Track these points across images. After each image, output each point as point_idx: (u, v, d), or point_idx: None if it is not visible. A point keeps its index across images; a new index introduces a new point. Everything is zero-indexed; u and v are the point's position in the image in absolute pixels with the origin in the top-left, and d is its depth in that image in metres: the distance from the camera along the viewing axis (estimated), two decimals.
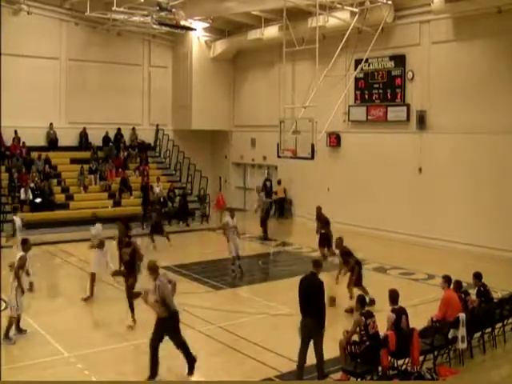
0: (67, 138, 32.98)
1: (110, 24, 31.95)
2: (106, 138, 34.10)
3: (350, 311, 14.89)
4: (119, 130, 34.54)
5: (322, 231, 21.66)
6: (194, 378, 11.57)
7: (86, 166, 31.78)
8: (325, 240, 21.49)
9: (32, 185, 28.98)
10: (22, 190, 28.52)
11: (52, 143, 32.56)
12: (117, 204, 30.50)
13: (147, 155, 34.63)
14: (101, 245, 17.16)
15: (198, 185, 34.06)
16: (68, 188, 30.62)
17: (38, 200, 28.58)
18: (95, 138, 33.76)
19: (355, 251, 16.73)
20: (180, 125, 36.15)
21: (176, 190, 32.03)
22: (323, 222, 21.85)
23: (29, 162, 30.51)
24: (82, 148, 33.17)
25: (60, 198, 29.81)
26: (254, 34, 31.92)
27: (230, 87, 36.31)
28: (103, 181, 31.66)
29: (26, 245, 13.96)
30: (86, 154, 32.71)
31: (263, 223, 27.29)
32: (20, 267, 13.27)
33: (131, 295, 14.48)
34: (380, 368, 10.74)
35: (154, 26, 31.31)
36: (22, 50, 31.03)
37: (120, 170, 32.43)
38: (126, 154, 33.80)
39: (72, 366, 12.14)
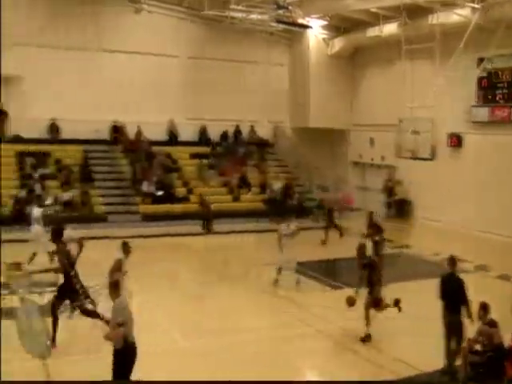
0: (187, 133, 33.94)
1: (228, 22, 32.51)
2: (224, 135, 34.77)
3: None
4: (238, 126, 35.11)
5: (376, 238, 20.38)
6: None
7: (204, 161, 32.51)
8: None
9: (154, 178, 29.99)
10: (145, 183, 29.58)
11: (172, 138, 33.58)
12: (236, 200, 30.95)
13: (265, 152, 34.99)
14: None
15: (315, 183, 34.04)
16: (188, 182, 31.40)
17: (160, 193, 29.54)
18: (214, 134, 34.57)
19: (476, 257, 16.07)
20: (298, 122, 36.29)
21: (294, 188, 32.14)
22: (375, 228, 20.21)
23: (151, 155, 31.56)
24: (201, 143, 33.98)
25: (181, 191, 30.66)
26: (372, 31, 31.52)
27: (347, 85, 35.97)
28: (222, 176, 32.25)
29: (125, 247, 13.46)
30: (206, 150, 33.49)
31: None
32: (115, 271, 12.87)
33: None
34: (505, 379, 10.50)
35: (272, 24, 31.62)
36: (143, 48, 32.35)
37: (238, 166, 32.93)
38: (244, 150, 34.27)
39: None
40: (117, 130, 32.23)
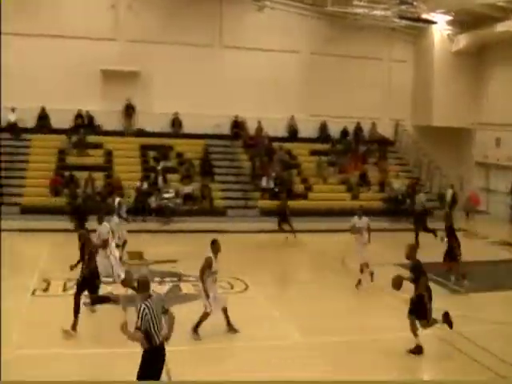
0: (307, 129, 33.70)
1: (351, 18, 32.00)
2: (344, 132, 34.29)
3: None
4: (358, 124, 34.52)
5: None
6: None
7: (324, 158, 32.16)
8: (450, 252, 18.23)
9: (273, 174, 29.92)
10: (264, 178, 29.58)
11: (292, 134, 33.41)
12: (355, 198, 30.41)
13: (386, 150, 34.25)
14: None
15: (437, 183, 33.07)
16: (307, 179, 31.14)
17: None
18: (334, 131, 34.16)
19: None
20: (420, 120, 35.25)
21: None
22: (448, 230, 18.36)
23: (270, 151, 31.53)
24: (321, 140, 33.65)
25: (299, 188, 30.44)
26: (501, 27, 29.84)
27: (472, 82, 34.39)
28: (342, 174, 31.78)
29: (214, 245, 13.06)
30: (325, 147, 33.12)
31: None
32: (205, 268, 12.79)
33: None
34: None
35: (395, 20, 30.90)
36: (265, 44, 32.46)
37: (359, 164, 32.36)
38: (365, 148, 33.66)
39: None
40: (237, 125, 32.49)
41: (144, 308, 8.56)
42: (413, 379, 11.39)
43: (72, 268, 13.76)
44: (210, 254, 12.96)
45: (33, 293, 15.79)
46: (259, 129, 32.54)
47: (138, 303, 8.90)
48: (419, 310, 12.13)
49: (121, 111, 31.13)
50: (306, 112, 33.57)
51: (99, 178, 28.17)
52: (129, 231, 21.72)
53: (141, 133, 31.12)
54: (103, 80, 31.22)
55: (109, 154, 30.13)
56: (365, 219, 18.30)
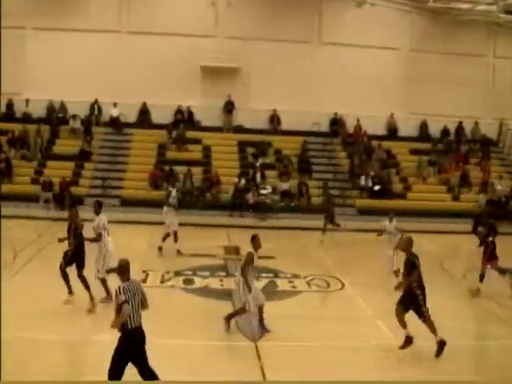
0: (407, 128, 33.01)
1: (453, 14, 31.09)
2: (445, 131, 33.38)
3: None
4: (460, 123, 33.50)
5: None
6: None
7: (424, 158, 31.37)
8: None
9: (372, 173, 29.45)
10: (363, 177, 29.16)
11: (392, 133, 32.81)
12: (455, 199, 29.52)
13: (489, 150, 33.08)
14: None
15: None
16: (406, 178, 30.48)
17: (377, 187, 28.96)
18: (434, 130, 33.30)
19: None
20: None
21: None
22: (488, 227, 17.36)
23: (369, 149, 31.04)
24: (421, 139, 32.88)
25: (398, 187, 29.86)
26: None
27: None
28: (442, 174, 30.94)
29: (254, 241, 12.68)
30: (426, 146, 32.32)
31: None
32: (247, 263, 12.44)
33: None
34: None
35: (500, 15, 29.87)
36: (364, 40, 31.93)
37: (460, 164, 31.39)
38: (467, 148, 32.64)
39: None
40: (336, 122, 32.14)
41: (124, 287, 8.75)
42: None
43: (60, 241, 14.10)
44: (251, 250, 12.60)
45: None
46: (358, 126, 32.10)
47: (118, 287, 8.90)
48: (411, 304, 11.47)
49: (220, 107, 31.28)
50: (406, 110, 32.81)
51: (198, 173, 28.41)
52: (226, 226, 21.92)
53: (239, 129, 31.23)
54: (203, 76, 31.57)
55: (207, 150, 30.40)
56: (394, 223, 17.95)
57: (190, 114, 31.34)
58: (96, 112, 31.20)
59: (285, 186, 28.08)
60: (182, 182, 27.72)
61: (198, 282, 16.47)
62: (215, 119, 31.43)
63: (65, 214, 22.89)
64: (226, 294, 15.27)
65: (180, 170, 28.23)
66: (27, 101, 31.00)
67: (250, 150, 30.47)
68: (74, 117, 30.81)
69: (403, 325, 11.55)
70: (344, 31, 32.23)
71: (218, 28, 31.33)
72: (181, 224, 19.94)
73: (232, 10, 31.25)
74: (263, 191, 27.55)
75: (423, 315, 11.44)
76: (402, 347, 11.45)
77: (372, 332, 12.90)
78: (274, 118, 31.50)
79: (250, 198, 27.28)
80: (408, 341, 11.45)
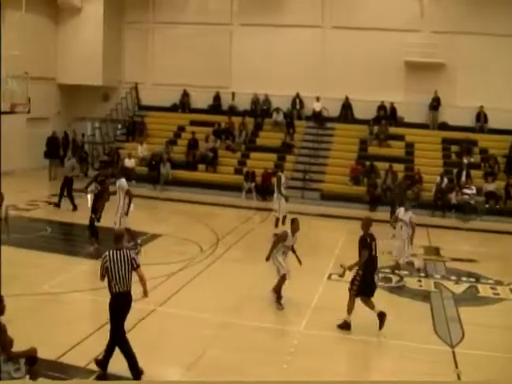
0: None
1: None
2: None
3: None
4: None
5: None
6: None
7: None
8: None
9: None
10: None
11: None
12: None
13: None
14: None
15: None
16: None
17: None
18: None
19: None
20: None
21: None
22: None
23: None
24: None
25: None
26: None
27: None
28: None
29: (293, 224, 13.81)
30: None
31: None
32: (279, 240, 13.60)
33: None
34: None
35: None
36: None
37: None
38: None
39: None
40: None
41: (105, 256, 9.72)
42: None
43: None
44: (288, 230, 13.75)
45: (329, 277, 16.17)
46: None
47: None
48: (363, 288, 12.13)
49: (424, 103, 30.44)
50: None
51: (400, 170, 27.94)
52: (427, 226, 21.54)
53: (443, 126, 30.33)
54: (407, 72, 30.94)
55: (410, 147, 29.82)
56: (409, 213, 16.71)
57: (393, 109, 30.87)
58: (298, 106, 31.82)
59: (490, 187, 26.75)
60: (383, 178, 27.49)
61: (395, 281, 16.26)
62: (418, 115, 30.68)
63: (267, 204, 24.08)
64: (422, 295, 14.98)
65: (381, 166, 27.95)
66: (233, 94, 32.49)
67: (454, 148, 29.40)
68: (277, 110, 31.67)
69: (372, 308, 12.14)
70: None
71: (423, 22, 30.49)
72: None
73: (437, 4, 30.36)
74: (467, 191, 26.44)
75: (349, 292, 12.21)
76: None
77: None
78: (481, 116, 30.11)
79: (453, 197, 26.37)
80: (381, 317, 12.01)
